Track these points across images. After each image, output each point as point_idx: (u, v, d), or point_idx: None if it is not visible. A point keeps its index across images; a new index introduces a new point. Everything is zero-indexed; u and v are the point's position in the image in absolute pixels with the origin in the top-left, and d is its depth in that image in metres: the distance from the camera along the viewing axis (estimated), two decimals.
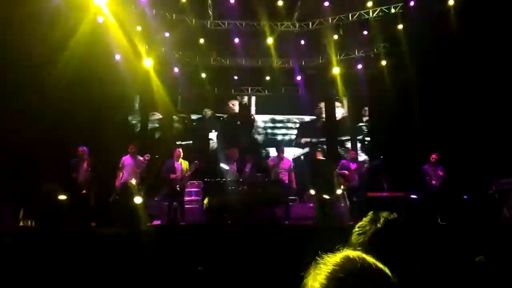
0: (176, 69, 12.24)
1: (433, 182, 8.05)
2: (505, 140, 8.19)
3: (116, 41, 10.38)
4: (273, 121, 14.07)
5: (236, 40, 11.57)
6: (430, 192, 8.00)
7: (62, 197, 7.01)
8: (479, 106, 8.83)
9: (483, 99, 8.82)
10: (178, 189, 7.99)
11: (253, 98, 14.11)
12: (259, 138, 13.97)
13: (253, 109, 14.13)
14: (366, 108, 14.15)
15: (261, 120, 14.08)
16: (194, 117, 13.91)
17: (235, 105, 14.04)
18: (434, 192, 7.94)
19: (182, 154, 8.50)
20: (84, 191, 7.79)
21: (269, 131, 14.03)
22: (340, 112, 14.26)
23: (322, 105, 14.20)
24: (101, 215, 7.81)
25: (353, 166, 8.41)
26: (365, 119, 14.14)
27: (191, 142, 13.22)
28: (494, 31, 8.40)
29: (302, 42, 11.87)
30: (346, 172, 8.33)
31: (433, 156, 8.29)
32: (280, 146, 8.88)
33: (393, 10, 10.55)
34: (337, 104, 14.22)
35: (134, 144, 8.53)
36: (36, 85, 8.70)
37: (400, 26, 10.55)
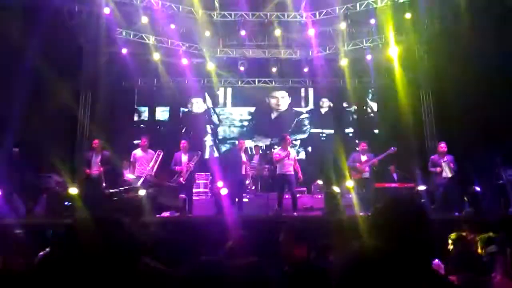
0: (185, 61, 12.23)
1: (444, 173, 7.88)
2: None
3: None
4: (250, 113, 14.03)
5: (243, 32, 11.49)
6: (439, 183, 7.91)
7: (73, 190, 7.05)
8: (490, 94, 8.72)
9: (494, 88, 8.71)
10: (183, 181, 8.00)
11: (229, 90, 14.02)
12: (236, 131, 13.90)
13: (229, 102, 14.05)
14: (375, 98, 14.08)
15: (237, 113, 14.04)
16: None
17: (198, 103, 13.96)
18: (444, 183, 7.84)
19: (189, 146, 8.55)
20: (103, 184, 7.87)
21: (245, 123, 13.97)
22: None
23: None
24: (114, 208, 7.90)
25: (364, 158, 8.36)
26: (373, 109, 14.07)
27: None
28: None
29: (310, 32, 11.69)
30: (357, 164, 8.28)
31: (441, 145, 8.16)
32: (285, 135, 8.62)
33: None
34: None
35: (145, 137, 8.56)
36: None
37: (408, 15, 10.39)
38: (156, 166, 8.15)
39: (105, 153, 8.09)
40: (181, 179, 8.01)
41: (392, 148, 8.55)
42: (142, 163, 8.06)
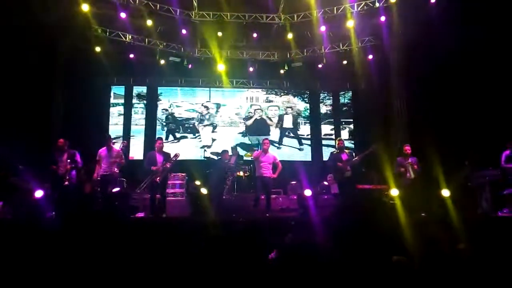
0: (162, 61, 12.17)
1: (408, 174, 8.04)
2: (483, 133, 8.37)
3: None
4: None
5: (220, 33, 11.47)
6: (404, 184, 8.03)
7: (39, 193, 6.87)
8: (458, 99, 9.00)
9: (463, 93, 8.99)
10: (158, 181, 7.95)
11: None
12: None
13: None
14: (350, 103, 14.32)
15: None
16: None
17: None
18: (408, 184, 8.00)
19: (163, 145, 8.48)
20: (65, 183, 7.76)
21: None
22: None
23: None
24: (82, 207, 7.79)
25: (344, 156, 8.37)
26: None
27: None
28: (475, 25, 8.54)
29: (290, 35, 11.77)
30: (339, 164, 8.28)
31: (406, 147, 8.32)
32: (264, 139, 8.78)
33: (377, 4, 10.59)
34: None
35: (109, 136, 8.62)
36: None
37: (383, 19, 10.56)
38: (121, 158, 8.21)
39: (71, 151, 8.00)
40: (157, 178, 7.95)
41: (372, 146, 8.55)
42: (106, 162, 8.02)
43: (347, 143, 13.40)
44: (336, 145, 8.75)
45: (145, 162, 8.27)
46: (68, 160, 7.90)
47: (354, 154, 8.66)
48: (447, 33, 8.95)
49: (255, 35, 11.65)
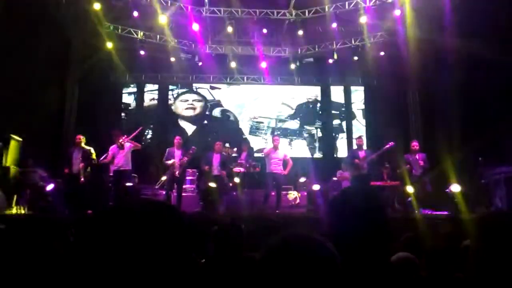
0: (173, 58, 12.21)
1: (414, 171, 7.94)
2: (499, 129, 8.22)
3: None
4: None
5: (230, 29, 11.47)
6: (411, 181, 7.93)
7: (50, 186, 6.97)
8: (471, 95, 8.85)
9: (478, 88, 8.83)
10: (178, 175, 8.02)
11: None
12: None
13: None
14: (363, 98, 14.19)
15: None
16: None
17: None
18: (414, 181, 7.88)
19: (182, 141, 8.52)
20: (81, 179, 7.80)
21: None
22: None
23: None
24: (97, 203, 7.88)
25: (361, 154, 8.36)
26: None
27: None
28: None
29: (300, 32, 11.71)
30: (356, 160, 8.25)
31: (413, 144, 8.21)
32: (274, 136, 8.84)
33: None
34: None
35: (117, 131, 8.51)
36: None
37: (398, 13, 10.39)
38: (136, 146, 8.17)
39: (86, 149, 7.98)
40: (176, 172, 8.02)
41: (390, 143, 8.43)
42: (118, 157, 7.99)
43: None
44: (356, 143, 8.78)
45: (164, 157, 8.32)
46: (80, 159, 7.88)
47: (372, 151, 8.60)
48: (462, 28, 8.80)
49: (265, 30, 11.60)
